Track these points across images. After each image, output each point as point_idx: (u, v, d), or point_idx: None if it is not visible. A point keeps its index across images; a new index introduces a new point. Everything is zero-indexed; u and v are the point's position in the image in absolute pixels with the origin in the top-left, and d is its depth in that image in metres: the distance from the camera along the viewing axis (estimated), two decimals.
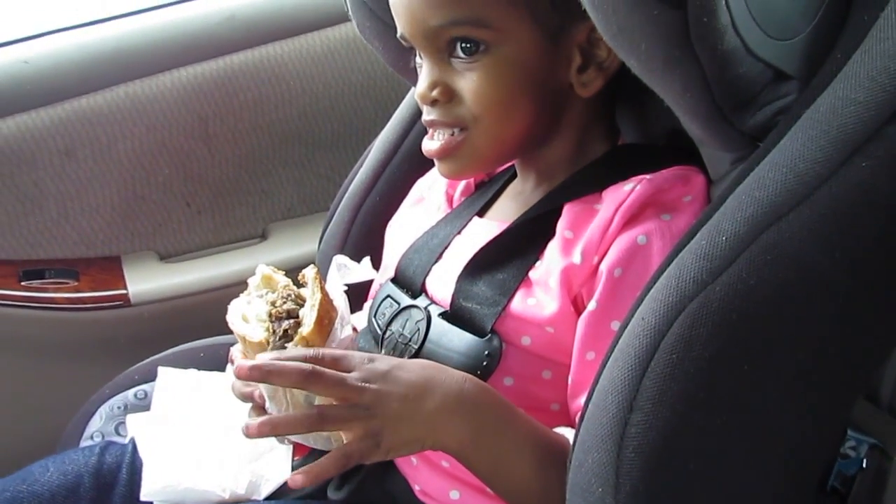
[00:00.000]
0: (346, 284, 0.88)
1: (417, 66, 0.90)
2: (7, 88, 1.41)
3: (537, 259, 0.86)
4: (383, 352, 0.90)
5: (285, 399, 0.80)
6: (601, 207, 0.83)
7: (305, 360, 0.74)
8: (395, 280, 0.97)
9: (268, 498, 0.93)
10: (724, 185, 0.71)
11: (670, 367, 0.64)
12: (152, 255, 1.54)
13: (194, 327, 1.27)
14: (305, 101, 1.57)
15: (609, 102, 0.91)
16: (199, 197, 1.55)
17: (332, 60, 1.57)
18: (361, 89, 1.61)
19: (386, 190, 1.19)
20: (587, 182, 0.88)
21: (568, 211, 0.86)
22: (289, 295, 0.84)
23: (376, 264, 0.99)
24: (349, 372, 0.74)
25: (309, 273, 0.85)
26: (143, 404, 1.15)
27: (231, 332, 0.86)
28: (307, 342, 0.80)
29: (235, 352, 0.91)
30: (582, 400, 0.74)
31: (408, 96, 1.23)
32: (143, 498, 0.93)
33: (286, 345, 0.80)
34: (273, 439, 0.92)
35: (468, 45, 0.83)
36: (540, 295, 0.83)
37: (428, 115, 0.88)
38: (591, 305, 0.80)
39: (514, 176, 0.98)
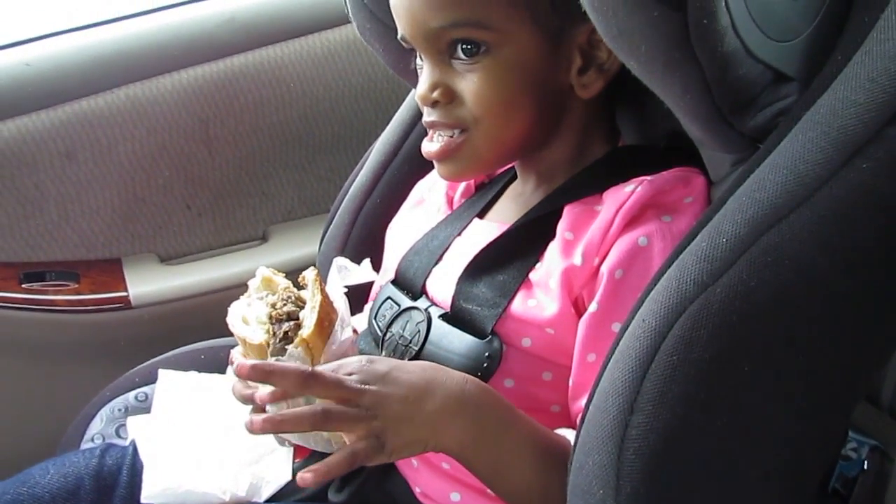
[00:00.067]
0: (347, 286, 0.88)
1: (418, 67, 0.90)
2: (8, 90, 1.41)
3: (537, 260, 0.86)
4: (384, 353, 0.90)
5: (285, 401, 0.80)
6: (602, 209, 0.83)
7: (302, 374, 0.73)
8: (395, 282, 0.97)
9: (268, 500, 0.93)
10: (725, 187, 0.71)
11: (671, 368, 0.64)
12: (153, 257, 1.54)
13: (195, 329, 1.27)
14: (306, 104, 1.57)
15: (609, 104, 0.92)
16: (200, 199, 1.55)
17: (333, 62, 1.58)
18: (362, 91, 1.61)
19: (386, 192, 1.19)
20: (587, 183, 0.88)
21: (568, 212, 0.86)
22: (289, 297, 0.84)
23: (376, 266, 0.99)
24: (349, 375, 0.74)
25: (309, 275, 0.85)
26: (144, 406, 1.15)
27: (231, 335, 0.86)
28: (307, 344, 0.80)
29: (236, 354, 0.91)
30: (583, 402, 0.74)
31: (408, 98, 1.23)
32: (143, 500, 0.93)
33: (286, 346, 0.80)
34: (274, 442, 0.92)
35: (469, 47, 0.83)
36: (540, 296, 0.83)
37: (428, 116, 0.88)
38: (592, 307, 0.80)
39: (514, 177, 0.98)
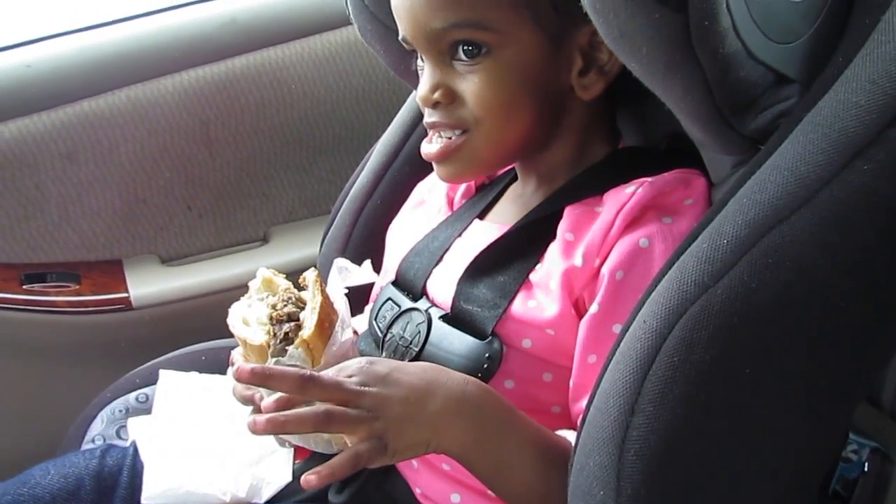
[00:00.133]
0: (347, 287, 0.88)
1: (419, 68, 0.90)
2: (9, 92, 1.41)
3: (538, 261, 0.86)
4: (384, 354, 0.90)
5: None
6: (602, 210, 0.83)
7: (300, 378, 0.73)
8: (395, 283, 0.97)
9: (269, 501, 0.93)
10: (726, 189, 0.71)
11: (671, 370, 0.64)
12: (154, 258, 1.54)
13: (195, 330, 1.27)
14: (307, 105, 1.58)
15: (610, 105, 0.92)
16: (201, 200, 1.55)
17: (334, 64, 1.58)
18: (363, 93, 1.61)
19: (387, 193, 1.19)
20: (588, 185, 0.88)
21: (569, 213, 0.86)
22: (289, 298, 0.84)
23: (377, 267, 0.99)
24: (349, 377, 0.74)
25: (309, 276, 0.85)
26: (145, 408, 1.15)
27: (232, 336, 0.86)
28: (308, 345, 0.80)
29: (236, 355, 0.91)
30: (583, 403, 0.74)
31: (409, 100, 1.23)
32: (144, 501, 0.93)
33: (287, 347, 0.80)
34: (274, 443, 0.92)
35: (470, 48, 0.83)
36: (541, 297, 0.83)
37: (429, 117, 0.88)
38: (593, 308, 0.80)
39: (514, 178, 0.98)
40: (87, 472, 1.00)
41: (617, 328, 0.78)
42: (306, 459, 0.94)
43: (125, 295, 1.48)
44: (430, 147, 0.89)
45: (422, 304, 0.91)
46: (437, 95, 0.86)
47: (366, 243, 1.18)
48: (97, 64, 1.46)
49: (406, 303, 0.93)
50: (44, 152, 1.42)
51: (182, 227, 1.55)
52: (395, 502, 0.91)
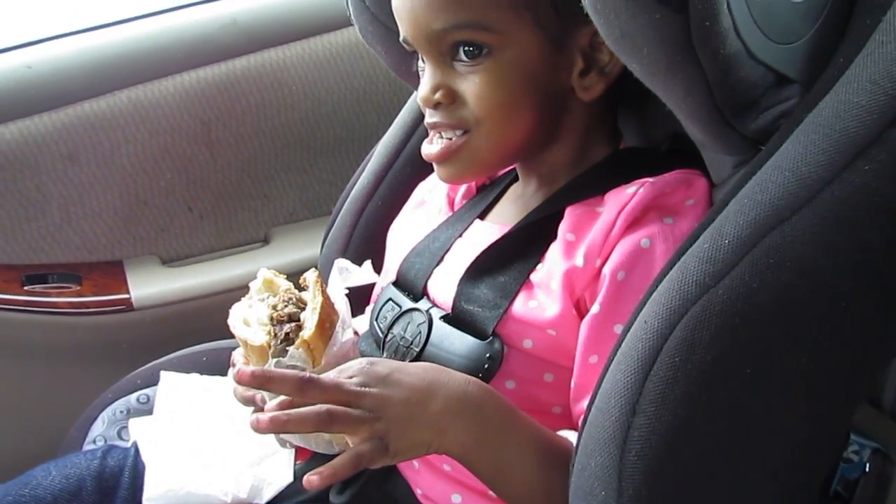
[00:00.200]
0: (348, 288, 0.88)
1: (420, 70, 0.90)
2: (10, 93, 1.41)
3: (538, 262, 0.86)
4: (385, 355, 0.90)
5: None
6: (603, 210, 0.83)
7: (299, 380, 0.73)
8: (396, 283, 0.97)
9: (270, 502, 0.93)
10: (727, 189, 0.71)
11: (673, 370, 0.64)
12: (155, 259, 1.54)
13: (197, 331, 1.27)
14: (308, 106, 1.58)
15: (611, 106, 0.92)
16: (202, 201, 1.55)
17: (335, 65, 1.58)
18: (363, 94, 1.61)
19: (388, 194, 1.19)
20: (589, 185, 0.88)
21: (570, 214, 0.86)
22: (290, 298, 0.84)
23: (378, 268, 0.99)
24: (350, 378, 0.74)
25: (310, 276, 0.85)
26: (146, 408, 1.15)
27: (233, 336, 0.86)
28: (308, 345, 0.80)
29: (237, 356, 0.91)
30: (584, 403, 0.74)
31: (409, 101, 1.23)
32: (145, 502, 0.93)
33: (287, 348, 0.80)
34: (275, 443, 0.92)
35: (471, 49, 0.84)
36: (541, 297, 0.83)
37: (430, 117, 0.88)
38: (595, 309, 0.80)
39: (515, 179, 0.98)
40: (88, 473, 1.00)
41: (618, 328, 0.78)
42: (307, 460, 0.94)
43: (126, 296, 1.48)
44: (431, 148, 0.89)
45: (422, 304, 0.91)
46: (437, 96, 0.86)
47: (367, 244, 1.18)
48: (98, 65, 1.46)
49: (407, 303, 0.93)
50: (45, 153, 1.42)
51: (183, 228, 1.55)
52: (396, 503, 0.91)
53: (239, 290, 0.90)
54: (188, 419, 1.03)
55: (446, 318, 0.88)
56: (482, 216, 0.97)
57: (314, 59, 1.56)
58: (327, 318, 0.82)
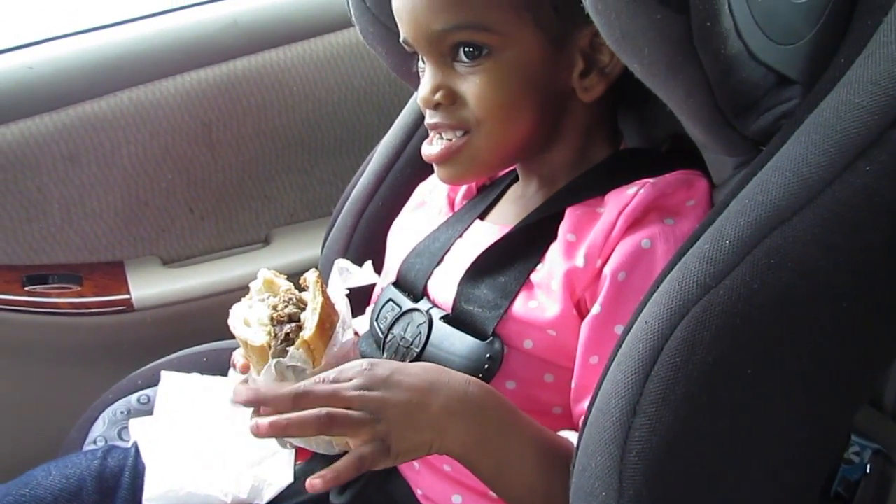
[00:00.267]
0: (348, 288, 0.88)
1: (420, 71, 0.90)
2: (11, 94, 1.41)
3: (539, 262, 0.86)
4: (385, 355, 0.90)
5: None
6: (604, 211, 0.83)
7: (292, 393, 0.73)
8: (396, 284, 0.97)
9: (270, 502, 0.93)
10: (727, 190, 0.71)
11: (673, 370, 0.64)
12: (155, 260, 1.54)
13: (197, 332, 1.27)
14: (308, 107, 1.58)
15: (611, 107, 0.92)
16: (203, 202, 1.55)
17: (335, 66, 1.58)
18: (364, 95, 1.61)
19: (388, 195, 1.19)
20: (590, 186, 0.88)
21: (570, 214, 0.86)
22: (290, 299, 0.84)
23: (379, 269, 0.99)
24: (349, 380, 0.74)
25: (310, 277, 0.85)
26: (146, 409, 1.15)
27: (233, 337, 0.86)
28: (308, 346, 0.80)
29: (237, 356, 0.91)
30: (585, 404, 0.74)
31: (410, 102, 1.23)
32: (145, 502, 0.93)
33: (287, 348, 0.80)
34: (275, 444, 0.92)
35: (471, 50, 0.84)
36: (542, 298, 0.83)
37: (431, 118, 0.88)
38: (595, 309, 0.80)
39: (515, 179, 0.98)
40: (88, 473, 1.00)
41: (619, 329, 0.78)
42: (308, 461, 0.94)
43: (127, 297, 1.48)
44: (432, 149, 0.89)
45: (423, 304, 0.91)
46: (438, 97, 0.86)
47: (367, 245, 1.18)
48: (99, 66, 1.46)
49: (407, 304, 0.93)
50: (46, 154, 1.42)
51: (184, 228, 1.55)
52: (396, 503, 0.91)
53: (239, 291, 0.90)
54: (188, 419, 1.03)
55: (446, 319, 0.88)
56: (482, 216, 0.97)
57: (315, 59, 1.56)
58: (327, 318, 0.82)
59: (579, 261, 0.82)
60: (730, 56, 0.68)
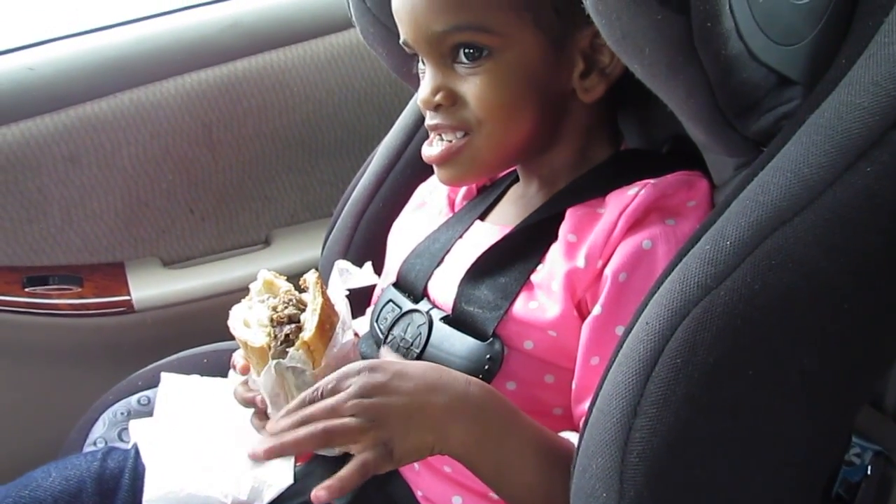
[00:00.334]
0: (349, 289, 0.88)
1: (420, 72, 0.90)
2: (12, 95, 1.41)
3: (539, 262, 0.85)
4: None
5: (287, 403, 0.80)
6: (605, 211, 0.83)
7: (303, 400, 0.74)
8: (396, 285, 0.97)
9: (270, 503, 0.93)
10: (728, 191, 0.71)
11: (674, 371, 0.64)
12: (156, 261, 1.54)
13: (197, 333, 1.27)
14: (309, 108, 1.58)
15: (612, 107, 0.92)
16: (203, 203, 1.55)
17: (336, 67, 1.58)
18: (364, 96, 1.61)
19: (389, 196, 1.19)
20: (590, 186, 0.88)
21: (571, 215, 0.86)
22: (290, 300, 0.84)
23: (379, 270, 0.99)
24: (349, 384, 0.74)
25: (310, 278, 0.85)
26: (147, 410, 1.15)
27: (234, 338, 0.85)
28: (308, 347, 0.80)
29: (237, 357, 0.91)
30: (586, 405, 0.74)
31: (410, 103, 1.23)
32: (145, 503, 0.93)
33: (287, 349, 0.80)
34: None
35: (471, 51, 0.83)
36: (542, 298, 0.83)
37: (431, 119, 0.88)
38: (596, 310, 0.80)
39: (515, 180, 0.98)
40: (88, 475, 0.99)
41: (620, 330, 0.78)
42: (308, 462, 0.94)
43: (127, 298, 1.48)
44: (432, 150, 0.89)
45: (423, 305, 0.91)
46: (438, 98, 0.86)
47: (368, 246, 1.18)
48: (99, 67, 1.46)
49: (407, 304, 0.93)
50: (46, 155, 1.42)
51: (184, 229, 1.55)
52: None
53: (240, 292, 0.90)
54: (188, 421, 1.03)
55: (446, 320, 0.88)
56: (482, 217, 0.97)
57: (315, 60, 1.56)
58: (327, 319, 0.82)
59: (580, 261, 0.81)
60: (731, 57, 0.68)
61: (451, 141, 0.88)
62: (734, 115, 0.72)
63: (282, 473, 0.94)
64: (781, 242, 0.64)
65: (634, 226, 0.81)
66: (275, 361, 0.80)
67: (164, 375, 1.11)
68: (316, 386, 0.75)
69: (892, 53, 0.65)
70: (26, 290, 1.44)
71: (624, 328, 0.71)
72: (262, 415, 0.85)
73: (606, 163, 0.90)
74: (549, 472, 0.77)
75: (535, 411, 0.81)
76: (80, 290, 1.47)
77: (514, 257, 0.87)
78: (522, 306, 0.84)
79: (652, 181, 0.82)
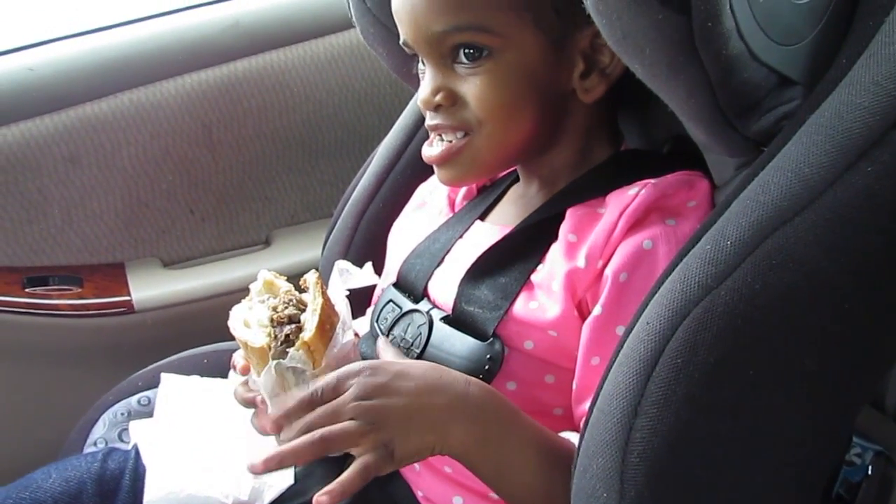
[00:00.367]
0: (349, 290, 0.88)
1: (420, 72, 0.90)
2: (12, 95, 1.41)
3: (539, 262, 0.85)
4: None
5: (287, 404, 0.80)
6: (605, 211, 0.83)
7: (304, 401, 0.74)
8: (397, 285, 0.97)
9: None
10: (729, 191, 0.71)
11: (675, 371, 0.64)
12: (156, 261, 1.54)
13: (198, 334, 1.27)
14: (309, 108, 1.58)
15: (612, 108, 0.92)
16: (203, 204, 1.55)
17: (336, 67, 1.58)
18: (365, 96, 1.61)
19: (389, 196, 1.19)
20: (591, 186, 0.88)
21: (571, 215, 0.86)
22: (290, 300, 0.84)
23: (379, 270, 0.99)
24: (349, 384, 0.74)
25: (310, 278, 0.85)
26: (147, 411, 1.15)
27: (234, 338, 0.85)
28: (308, 347, 0.80)
29: (237, 357, 0.91)
30: (586, 405, 0.74)
31: (411, 103, 1.23)
32: None
33: (287, 350, 0.80)
34: (276, 445, 0.91)
35: (471, 51, 0.83)
36: (542, 298, 0.83)
37: (431, 120, 0.88)
38: (597, 310, 0.80)
39: (516, 180, 0.98)
40: (89, 476, 0.99)
41: (620, 330, 0.77)
42: (308, 462, 0.94)
43: (127, 298, 1.48)
44: (432, 150, 0.89)
45: (423, 305, 0.91)
46: (438, 98, 0.86)
47: (368, 246, 1.18)
48: (99, 67, 1.46)
49: (407, 304, 0.93)
50: (46, 156, 1.42)
51: (184, 230, 1.55)
52: None
53: (240, 293, 0.89)
54: (189, 421, 1.03)
55: (447, 320, 0.88)
56: (483, 217, 0.97)
57: (315, 61, 1.56)
58: (328, 319, 0.82)
59: (580, 261, 0.81)
60: (731, 57, 0.68)
61: (451, 141, 0.87)
62: (735, 115, 0.72)
63: (282, 474, 0.94)
64: (782, 242, 0.64)
65: (635, 226, 0.81)
66: (275, 362, 0.80)
67: (163, 376, 1.11)
68: (316, 386, 0.75)
69: (892, 53, 0.65)
70: (26, 290, 1.44)
71: (624, 328, 0.71)
72: (262, 415, 0.85)
73: (607, 163, 0.90)
74: (550, 473, 0.77)
75: (535, 411, 0.81)
76: (80, 290, 1.47)
77: (515, 257, 0.87)
78: (523, 306, 0.84)
79: (652, 181, 0.82)
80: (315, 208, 1.63)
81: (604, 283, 0.80)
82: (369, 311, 1.02)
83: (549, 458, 0.78)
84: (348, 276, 0.89)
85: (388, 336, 0.92)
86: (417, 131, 1.19)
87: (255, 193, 1.58)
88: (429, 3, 0.83)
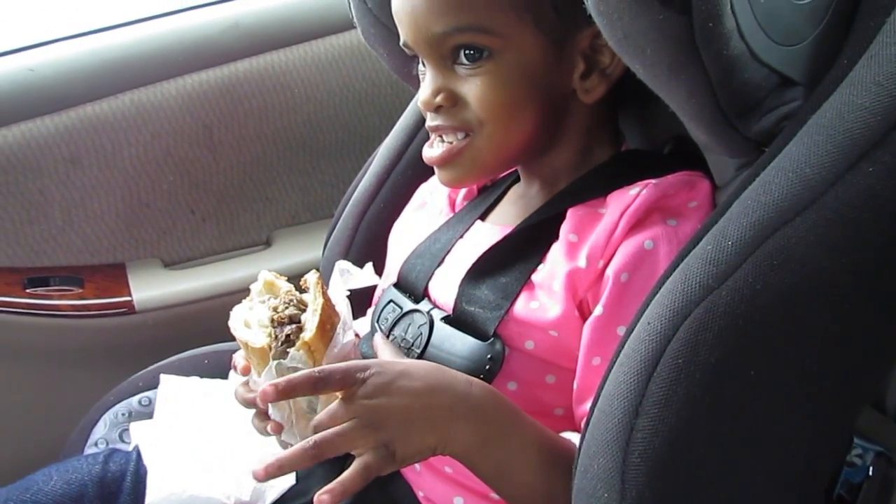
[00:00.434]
0: (349, 290, 0.88)
1: (420, 73, 0.90)
2: (12, 96, 1.42)
3: (540, 262, 0.85)
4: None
5: (288, 405, 0.80)
6: (606, 212, 0.83)
7: (312, 379, 0.73)
8: (397, 285, 0.97)
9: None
10: (730, 191, 0.71)
11: (676, 371, 0.64)
12: (157, 262, 1.54)
13: (198, 334, 1.27)
14: (310, 109, 1.58)
15: (612, 108, 0.91)
16: (204, 204, 1.55)
17: (337, 68, 1.58)
18: (365, 97, 1.61)
19: (390, 197, 1.19)
20: (591, 186, 0.87)
21: (572, 215, 0.85)
22: (291, 300, 0.84)
23: (380, 271, 0.99)
24: (352, 386, 0.74)
25: (311, 278, 0.85)
26: (148, 411, 1.15)
27: (234, 339, 0.85)
28: (309, 347, 0.80)
29: (238, 358, 0.91)
30: (587, 405, 0.74)
31: (411, 104, 1.23)
32: None
33: (288, 350, 0.80)
34: (277, 446, 0.91)
35: (472, 52, 0.83)
36: (543, 298, 0.83)
37: (432, 121, 0.88)
38: (598, 310, 0.80)
39: (516, 180, 0.98)
40: (90, 478, 0.99)
41: (621, 330, 0.77)
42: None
43: (128, 299, 1.48)
44: (433, 151, 0.89)
45: (424, 305, 0.91)
46: (439, 99, 0.86)
47: (369, 247, 1.18)
48: (100, 68, 1.46)
49: (408, 305, 0.93)
50: (47, 156, 1.42)
51: (185, 230, 1.55)
52: None
53: (241, 293, 0.89)
54: (189, 422, 1.03)
55: (447, 320, 0.88)
56: (483, 217, 0.97)
57: (316, 61, 1.56)
58: (328, 319, 0.82)
59: (581, 261, 0.81)
60: (732, 57, 0.68)
61: (451, 142, 0.87)
62: (736, 116, 0.72)
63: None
64: (783, 242, 0.64)
65: (636, 226, 0.81)
66: (275, 362, 0.80)
67: (163, 377, 1.11)
68: (324, 369, 0.74)
69: (893, 53, 0.65)
70: (27, 291, 1.44)
71: (625, 328, 0.71)
72: (262, 415, 0.85)
73: (607, 163, 0.90)
74: (551, 473, 0.77)
75: (536, 411, 0.81)
76: (81, 291, 1.47)
77: (515, 257, 0.87)
78: (523, 306, 0.84)
79: (653, 181, 0.82)
80: (316, 209, 1.63)
81: (605, 283, 0.80)
82: (370, 311, 1.02)
83: (550, 458, 0.78)
84: (349, 276, 0.89)
85: (388, 336, 0.92)
86: (418, 132, 1.19)
87: (255, 194, 1.59)
88: (429, 4, 0.83)
